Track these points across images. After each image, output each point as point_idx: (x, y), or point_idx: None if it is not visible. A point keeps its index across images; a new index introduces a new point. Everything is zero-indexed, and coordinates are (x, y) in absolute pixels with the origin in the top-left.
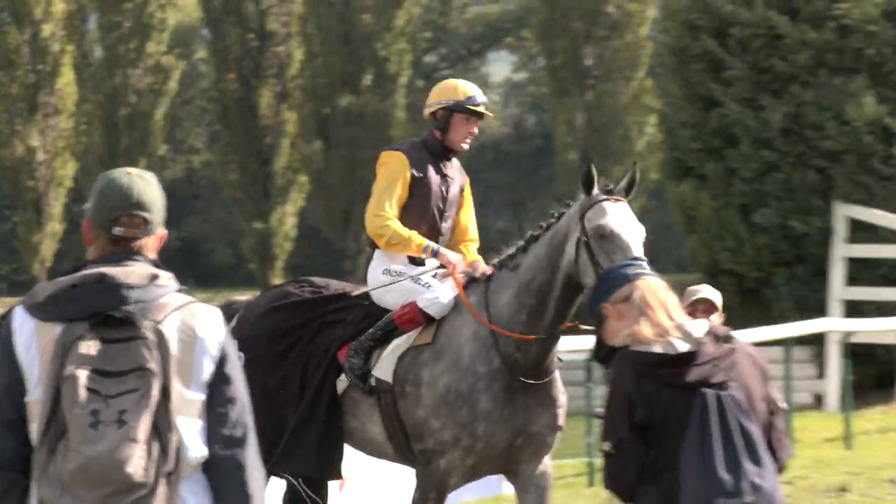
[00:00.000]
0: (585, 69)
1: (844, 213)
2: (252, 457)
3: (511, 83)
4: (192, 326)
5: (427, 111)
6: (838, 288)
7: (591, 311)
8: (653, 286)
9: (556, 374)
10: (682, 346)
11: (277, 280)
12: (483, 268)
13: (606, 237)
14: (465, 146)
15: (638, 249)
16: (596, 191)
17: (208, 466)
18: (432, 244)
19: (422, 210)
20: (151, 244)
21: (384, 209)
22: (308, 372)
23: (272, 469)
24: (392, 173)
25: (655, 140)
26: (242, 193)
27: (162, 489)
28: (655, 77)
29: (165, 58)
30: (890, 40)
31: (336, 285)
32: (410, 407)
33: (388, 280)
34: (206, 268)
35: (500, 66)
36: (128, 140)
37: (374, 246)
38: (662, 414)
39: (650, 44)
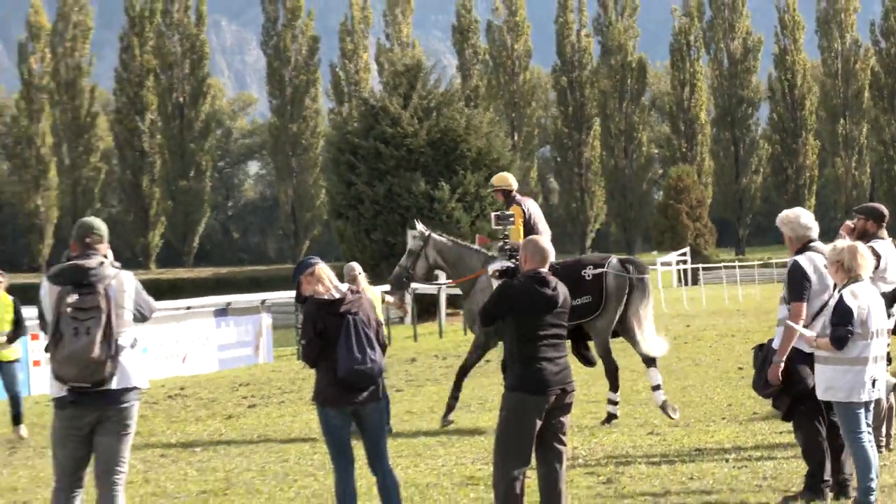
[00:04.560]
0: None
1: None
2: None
3: None
4: (122, 283)
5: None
6: None
7: (293, 280)
8: (323, 268)
9: None
10: (337, 295)
11: None
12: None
13: None
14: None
15: None
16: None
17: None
18: None
19: None
20: (103, 248)
21: None
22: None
23: None
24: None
25: (324, 201)
26: None
27: (109, 362)
28: (324, 171)
29: None
30: (431, 155)
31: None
32: None
33: None
34: None
35: None
36: None
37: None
38: (329, 327)
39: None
